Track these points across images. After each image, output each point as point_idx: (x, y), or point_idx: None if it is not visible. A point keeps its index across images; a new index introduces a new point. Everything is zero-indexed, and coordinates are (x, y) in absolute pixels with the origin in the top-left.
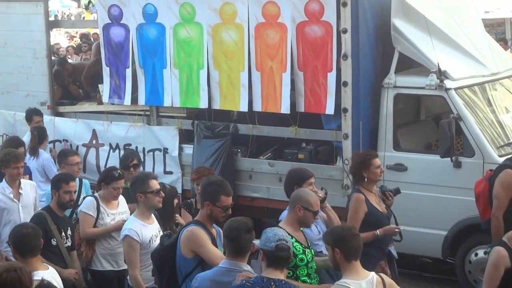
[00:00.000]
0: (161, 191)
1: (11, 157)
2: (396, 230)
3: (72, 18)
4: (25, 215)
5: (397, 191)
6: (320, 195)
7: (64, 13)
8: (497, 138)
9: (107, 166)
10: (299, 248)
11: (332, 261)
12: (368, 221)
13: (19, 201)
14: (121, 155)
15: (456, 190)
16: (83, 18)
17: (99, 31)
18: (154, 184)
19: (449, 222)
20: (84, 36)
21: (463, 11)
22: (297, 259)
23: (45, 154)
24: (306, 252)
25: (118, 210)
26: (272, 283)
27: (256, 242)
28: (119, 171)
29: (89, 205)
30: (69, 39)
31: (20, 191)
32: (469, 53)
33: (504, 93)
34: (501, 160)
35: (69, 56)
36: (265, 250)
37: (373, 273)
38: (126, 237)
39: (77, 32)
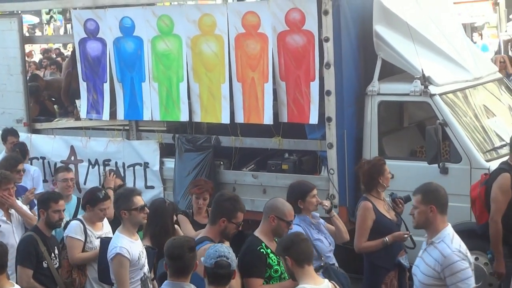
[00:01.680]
0: (145, 207)
1: (1, 178)
2: (406, 236)
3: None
4: (18, 236)
5: (407, 199)
6: (326, 204)
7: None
8: (483, 143)
9: (87, 183)
10: (274, 259)
11: (286, 270)
12: (377, 228)
13: (11, 221)
14: (101, 171)
15: None
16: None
17: (75, 45)
18: (139, 201)
19: None
20: (45, 52)
21: (443, 16)
22: (272, 270)
23: (31, 167)
24: (281, 263)
25: (104, 231)
26: None
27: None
28: (104, 191)
29: (75, 229)
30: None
31: (10, 211)
32: (451, 58)
33: (488, 98)
34: (488, 165)
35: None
36: (206, 267)
37: (326, 280)
38: (117, 255)
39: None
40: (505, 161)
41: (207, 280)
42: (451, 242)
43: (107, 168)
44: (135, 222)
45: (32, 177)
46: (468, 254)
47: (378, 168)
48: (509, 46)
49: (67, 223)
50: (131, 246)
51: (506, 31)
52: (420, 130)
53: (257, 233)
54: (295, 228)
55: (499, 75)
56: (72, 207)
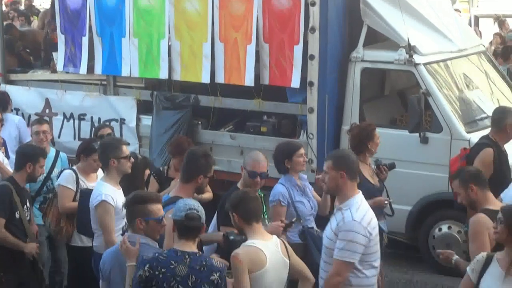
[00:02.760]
0: (131, 157)
1: None
2: (386, 202)
3: None
4: None
5: (392, 166)
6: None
7: None
8: (464, 114)
9: (61, 136)
10: None
11: (235, 226)
12: None
13: None
14: (75, 125)
15: (422, 166)
16: None
17: None
18: (126, 150)
19: (414, 197)
20: (12, 3)
21: None
22: None
23: (14, 117)
24: None
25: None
26: (187, 256)
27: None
28: (98, 142)
29: (68, 178)
30: None
31: None
32: (437, 29)
33: (471, 70)
34: (469, 136)
35: None
36: (176, 220)
37: (275, 236)
38: (102, 202)
39: None
40: (485, 136)
41: (177, 234)
42: (356, 211)
43: (82, 122)
44: (122, 171)
45: (18, 127)
46: (371, 229)
47: (368, 133)
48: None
49: (61, 172)
50: (115, 194)
51: (478, 6)
52: (401, 99)
53: (239, 184)
54: (278, 187)
55: (482, 48)
56: (49, 160)
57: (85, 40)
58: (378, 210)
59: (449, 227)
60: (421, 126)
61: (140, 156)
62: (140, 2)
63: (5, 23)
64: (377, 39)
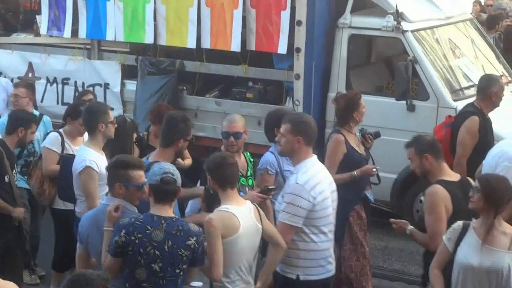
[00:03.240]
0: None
1: None
2: (374, 170)
3: None
4: None
5: (377, 135)
6: None
7: None
8: (451, 82)
9: (44, 100)
10: None
11: (212, 187)
12: (346, 162)
13: None
14: (59, 89)
15: (408, 134)
16: None
17: None
18: (112, 115)
19: (400, 165)
20: None
21: None
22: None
23: (2, 79)
24: (241, 180)
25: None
26: (163, 221)
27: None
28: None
29: (53, 141)
30: None
31: None
32: None
33: (459, 37)
34: (455, 104)
35: None
36: (151, 184)
37: (249, 202)
38: (87, 168)
39: None
40: (471, 103)
41: (153, 199)
42: (302, 175)
43: (65, 86)
44: (108, 136)
45: (5, 89)
46: (316, 193)
47: (354, 102)
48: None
49: (46, 134)
50: (99, 160)
51: None
52: (388, 66)
53: (222, 149)
54: (267, 156)
55: (470, 16)
56: None
57: (69, 3)
58: (366, 180)
59: None
60: (408, 94)
61: (129, 120)
62: None
63: None
64: (365, 5)
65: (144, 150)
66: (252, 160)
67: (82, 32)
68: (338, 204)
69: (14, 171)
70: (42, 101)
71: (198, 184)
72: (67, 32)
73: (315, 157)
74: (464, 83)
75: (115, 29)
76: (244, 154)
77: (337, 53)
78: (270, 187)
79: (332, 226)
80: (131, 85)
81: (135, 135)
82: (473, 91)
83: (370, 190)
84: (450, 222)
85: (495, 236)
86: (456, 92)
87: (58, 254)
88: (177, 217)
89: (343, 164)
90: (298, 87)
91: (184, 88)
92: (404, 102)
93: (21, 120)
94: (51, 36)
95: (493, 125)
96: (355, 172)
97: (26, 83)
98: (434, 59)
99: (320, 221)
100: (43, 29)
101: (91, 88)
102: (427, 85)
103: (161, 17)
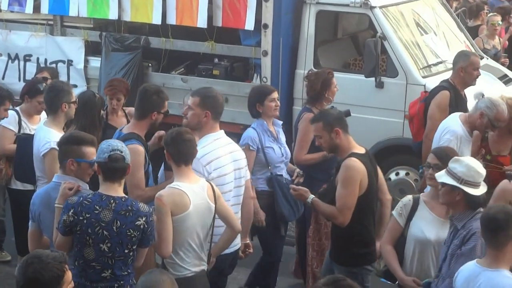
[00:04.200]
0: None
1: None
2: None
3: None
4: None
5: (347, 113)
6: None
7: None
8: (420, 59)
9: (5, 78)
10: None
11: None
12: None
13: None
14: (21, 66)
15: (377, 111)
16: None
17: None
18: (74, 94)
19: (369, 142)
20: None
21: None
22: None
23: None
24: None
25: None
26: (112, 201)
27: None
28: (44, 84)
29: (9, 119)
30: None
31: None
32: None
33: (426, 13)
34: (424, 81)
35: None
36: (99, 162)
37: (203, 179)
38: (53, 150)
39: None
40: (446, 79)
41: (101, 177)
42: (200, 149)
43: (27, 63)
44: (69, 116)
45: None
46: (211, 168)
47: (325, 81)
48: None
49: None
50: None
51: None
52: (354, 42)
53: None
54: (249, 131)
55: None
56: None
57: None
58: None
59: (407, 174)
60: (377, 71)
61: (97, 95)
62: None
63: None
64: None
65: (105, 129)
66: None
67: (44, 8)
68: (304, 183)
69: None
70: (3, 78)
71: (162, 166)
72: (29, 8)
73: (220, 132)
74: (433, 60)
75: (78, 5)
76: None
77: (304, 29)
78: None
79: (233, 201)
80: (95, 62)
81: (102, 112)
82: (442, 67)
83: None
84: (363, 197)
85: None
86: (425, 69)
87: (19, 237)
88: (126, 196)
89: (313, 144)
90: (266, 64)
91: (150, 64)
92: (373, 79)
93: None
94: (12, 11)
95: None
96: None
97: None
98: (402, 36)
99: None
100: (3, 5)
101: (54, 65)
102: (396, 62)
103: None
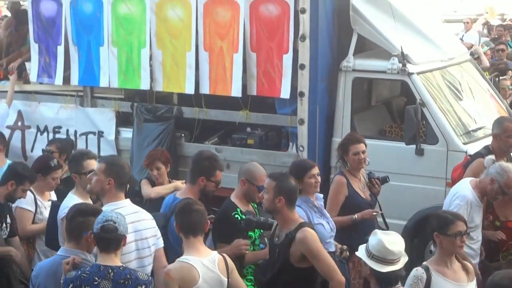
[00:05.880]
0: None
1: None
2: (374, 213)
3: None
4: None
5: (384, 180)
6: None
7: None
8: (459, 124)
9: (34, 150)
10: None
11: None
12: (348, 205)
13: None
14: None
15: (417, 179)
16: None
17: (27, 4)
18: (89, 164)
19: (410, 211)
20: None
21: None
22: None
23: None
24: (255, 230)
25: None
26: (110, 271)
27: None
28: (55, 159)
29: (26, 199)
30: None
31: None
32: (427, 36)
33: (461, 78)
34: (465, 147)
35: None
36: (94, 233)
37: (215, 253)
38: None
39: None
40: (486, 145)
41: (97, 248)
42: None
43: (57, 135)
44: (85, 187)
45: None
46: None
47: (344, 146)
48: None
49: None
50: None
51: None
52: (388, 109)
53: (232, 197)
54: (296, 210)
55: (469, 57)
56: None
57: (60, 49)
58: (370, 224)
59: None
60: (418, 138)
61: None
62: (119, 9)
63: None
64: (363, 47)
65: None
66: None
67: (74, 79)
68: None
69: (3, 225)
70: (32, 150)
71: (211, 235)
72: (59, 79)
73: (125, 201)
74: (473, 125)
75: (109, 75)
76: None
77: (340, 96)
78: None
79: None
80: (126, 133)
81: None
82: (481, 133)
83: None
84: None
85: (456, 271)
86: (466, 135)
87: None
88: (124, 265)
89: (345, 207)
90: (302, 133)
91: (182, 135)
92: (412, 146)
93: (15, 174)
94: (41, 83)
95: None
96: (355, 216)
97: None
98: (441, 101)
99: None
100: (33, 76)
101: (83, 137)
102: (436, 128)
103: (157, 62)
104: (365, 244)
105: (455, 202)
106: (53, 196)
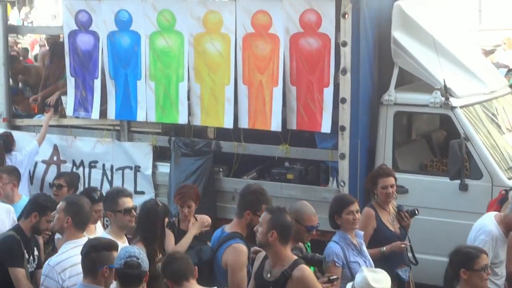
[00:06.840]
0: (133, 210)
1: None
2: (403, 246)
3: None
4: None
5: (413, 213)
6: None
7: None
8: (504, 159)
9: None
10: None
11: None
12: (376, 238)
13: None
14: (86, 173)
15: (461, 214)
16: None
17: (64, 38)
18: (124, 202)
19: (452, 248)
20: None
21: (456, 27)
22: None
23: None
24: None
25: (97, 234)
26: None
27: None
28: (99, 192)
29: None
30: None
31: None
32: (469, 70)
33: (505, 111)
34: (510, 182)
35: None
36: (116, 268)
37: None
38: None
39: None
40: None
41: (118, 283)
42: (57, 255)
43: (93, 170)
44: (120, 225)
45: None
46: (66, 276)
47: (373, 179)
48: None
49: None
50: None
51: None
52: (428, 142)
53: None
54: (332, 246)
55: (510, 89)
56: (20, 207)
57: (97, 83)
58: (399, 257)
59: None
60: (462, 173)
61: (160, 204)
62: (157, 43)
63: None
64: (403, 80)
65: (176, 236)
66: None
67: (111, 113)
68: None
69: (31, 257)
70: None
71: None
72: (95, 114)
73: (84, 239)
74: None
75: (146, 110)
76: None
77: (382, 131)
78: (331, 277)
79: None
80: (164, 168)
81: (166, 220)
82: None
83: (405, 268)
84: None
85: None
86: (510, 170)
87: None
88: None
89: (374, 240)
90: (344, 167)
91: (221, 169)
92: (455, 181)
93: (37, 206)
94: (77, 117)
95: None
96: (383, 249)
97: (9, 168)
98: (484, 136)
99: None
100: (69, 111)
101: (120, 171)
102: (480, 163)
103: (195, 96)
104: (352, 282)
105: (481, 237)
106: (98, 230)
